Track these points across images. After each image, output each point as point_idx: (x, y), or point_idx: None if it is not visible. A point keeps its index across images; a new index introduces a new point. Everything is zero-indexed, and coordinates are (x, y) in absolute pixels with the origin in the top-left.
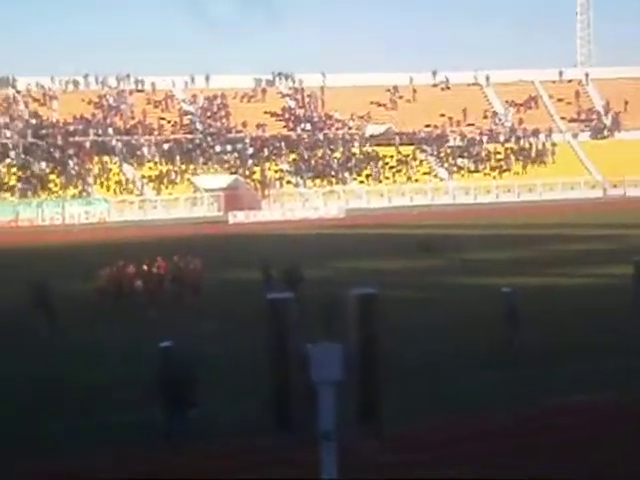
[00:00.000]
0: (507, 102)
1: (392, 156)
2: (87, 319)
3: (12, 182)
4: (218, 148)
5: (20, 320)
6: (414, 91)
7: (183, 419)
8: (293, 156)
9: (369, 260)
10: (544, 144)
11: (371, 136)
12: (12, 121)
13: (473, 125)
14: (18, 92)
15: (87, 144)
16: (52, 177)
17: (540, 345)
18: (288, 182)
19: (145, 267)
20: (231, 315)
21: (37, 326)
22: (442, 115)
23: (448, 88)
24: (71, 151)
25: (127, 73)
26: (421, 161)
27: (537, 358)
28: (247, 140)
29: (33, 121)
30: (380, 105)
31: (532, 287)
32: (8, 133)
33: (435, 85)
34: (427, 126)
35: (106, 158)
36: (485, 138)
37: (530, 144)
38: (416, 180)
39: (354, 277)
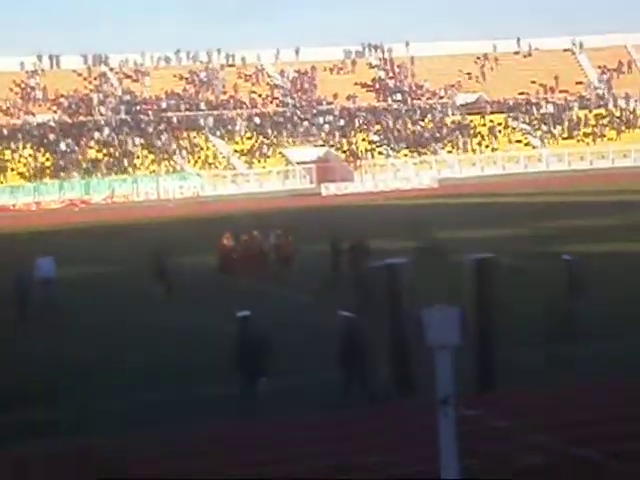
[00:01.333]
0: (599, 67)
1: (484, 125)
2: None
3: (106, 158)
4: (309, 121)
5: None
6: (500, 59)
7: (253, 390)
8: (384, 127)
9: (465, 230)
10: (634, 110)
11: (462, 105)
12: (105, 98)
13: (566, 92)
14: (111, 69)
15: (179, 119)
16: (145, 153)
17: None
18: (379, 153)
19: (246, 238)
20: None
21: (155, 293)
22: (533, 82)
23: (530, 55)
24: (163, 127)
25: (218, 48)
26: (513, 129)
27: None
28: (337, 112)
29: (126, 97)
30: (470, 74)
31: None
32: (102, 110)
33: (521, 53)
34: (520, 94)
35: (198, 133)
36: (577, 104)
37: (622, 110)
38: (508, 148)
39: (455, 246)
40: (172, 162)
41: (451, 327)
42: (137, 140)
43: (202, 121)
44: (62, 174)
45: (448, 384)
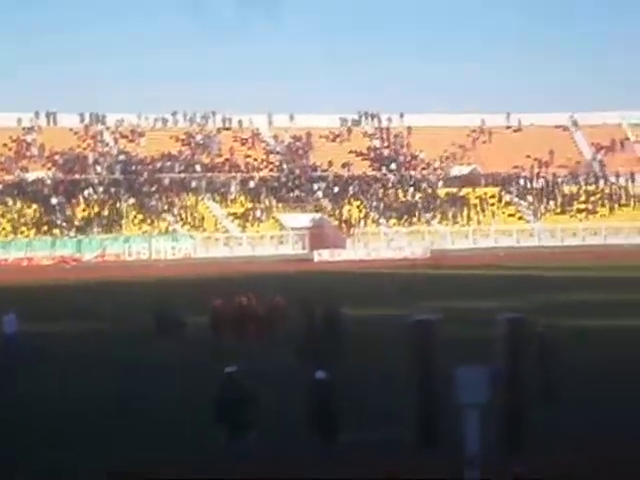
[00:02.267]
0: (592, 144)
1: (477, 197)
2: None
3: (99, 217)
4: (303, 187)
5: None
6: (494, 133)
7: (244, 442)
8: (378, 196)
9: (457, 300)
10: (626, 187)
11: (456, 177)
12: (101, 157)
13: (560, 167)
14: (107, 128)
15: (173, 181)
16: (137, 213)
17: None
18: (372, 221)
19: (244, 300)
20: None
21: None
22: (528, 157)
23: (521, 130)
24: (157, 187)
25: (213, 110)
26: (506, 203)
27: None
28: (332, 179)
29: (121, 157)
30: (464, 146)
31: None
32: (97, 168)
33: (512, 127)
34: (514, 167)
35: (192, 195)
36: (571, 180)
37: (613, 187)
38: (501, 222)
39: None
40: (165, 223)
41: (482, 385)
42: (130, 200)
43: (196, 183)
44: (55, 231)
45: (475, 443)
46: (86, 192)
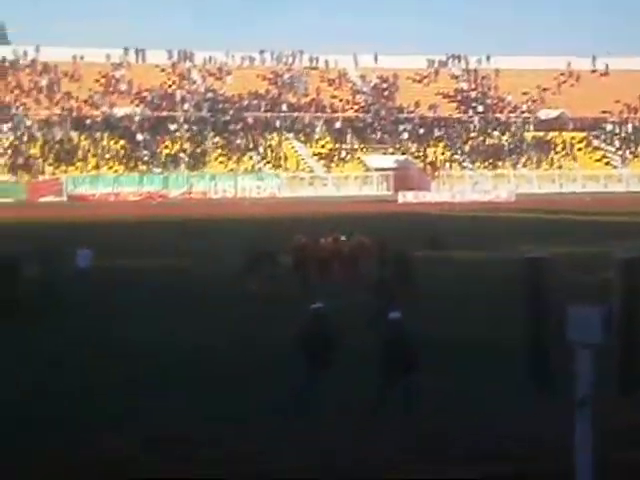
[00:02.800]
0: None
1: (564, 141)
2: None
3: (185, 154)
4: (389, 128)
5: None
6: (583, 77)
7: (317, 379)
8: (464, 138)
9: (545, 244)
10: None
11: (543, 120)
12: (188, 94)
13: None
14: (195, 66)
15: (259, 119)
16: (224, 151)
17: None
18: (458, 164)
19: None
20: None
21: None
22: (617, 102)
23: (608, 74)
24: (244, 126)
25: (301, 50)
26: (594, 148)
27: None
28: (418, 121)
29: (208, 95)
30: (553, 89)
31: None
32: (185, 106)
33: (600, 72)
34: (602, 112)
35: (278, 134)
36: None
37: None
38: (589, 166)
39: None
40: (250, 162)
41: (595, 325)
42: (216, 138)
43: (282, 123)
44: (141, 167)
45: (588, 385)
46: (173, 129)
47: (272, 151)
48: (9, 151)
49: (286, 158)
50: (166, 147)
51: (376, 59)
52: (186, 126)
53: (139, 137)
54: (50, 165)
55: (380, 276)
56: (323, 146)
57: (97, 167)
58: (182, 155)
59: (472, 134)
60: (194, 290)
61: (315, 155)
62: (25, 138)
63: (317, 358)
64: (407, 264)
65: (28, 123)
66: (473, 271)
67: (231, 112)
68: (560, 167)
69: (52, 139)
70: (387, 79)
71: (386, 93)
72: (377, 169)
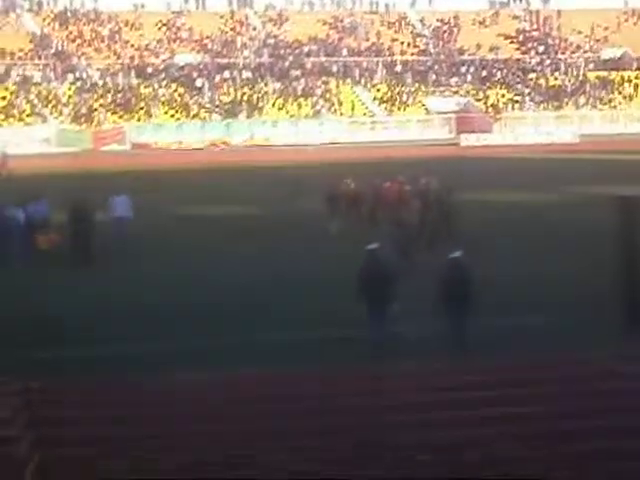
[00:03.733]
0: None
1: (629, 81)
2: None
3: (247, 101)
4: (450, 70)
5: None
6: None
7: (383, 317)
8: (526, 80)
9: (603, 186)
10: None
11: (606, 60)
12: (249, 40)
13: None
14: (255, 13)
15: (320, 65)
16: (285, 97)
17: None
18: (520, 106)
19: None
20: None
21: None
22: None
23: None
24: (304, 72)
25: None
26: None
27: None
28: (479, 63)
29: (269, 41)
30: (615, 29)
31: None
32: (245, 52)
33: None
34: None
35: (338, 79)
36: None
37: None
38: None
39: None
40: (312, 107)
41: None
42: (277, 84)
43: (343, 67)
44: (203, 114)
45: None
46: (233, 76)
47: (333, 96)
48: (72, 101)
49: (347, 103)
50: (227, 94)
51: (435, 2)
52: (247, 73)
53: (200, 84)
54: (113, 114)
55: (399, 218)
56: (384, 90)
57: (159, 115)
58: (243, 102)
59: (534, 75)
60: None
61: (376, 99)
62: (87, 87)
63: (378, 296)
64: (447, 207)
65: (90, 72)
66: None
67: (291, 58)
68: (623, 107)
69: (114, 88)
70: (448, 21)
71: (446, 35)
72: (438, 112)
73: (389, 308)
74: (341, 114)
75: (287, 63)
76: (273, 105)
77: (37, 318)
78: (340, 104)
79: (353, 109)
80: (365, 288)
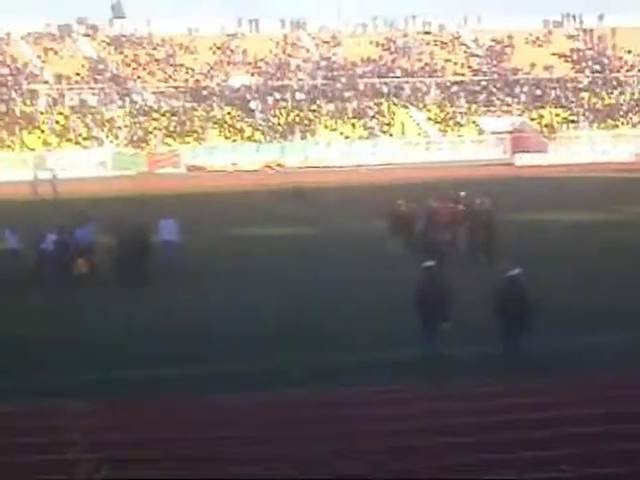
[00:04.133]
0: None
1: None
2: None
3: (301, 122)
4: (504, 90)
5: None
6: None
7: (435, 335)
8: (580, 99)
9: None
10: None
11: None
12: (302, 63)
13: None
14: (308, 34)
15: (373, 86)
16: (338, 118)
17: None
18: (574, 125)
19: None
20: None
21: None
22: None
23: None
24: (357, 93)
25: (414, 15)
26: None
27: None
28: (533, 82)
29: (322, 63)
30: None
31: None
32: (299, 74)
33: None
34: None
35: (392, 100)
36: None
37: None
38: None
39: None
40: (365, 128)
41: None
42: (331, 106)
43: (396, 88)
44: (257, 136)
45: None
46: (287, 98)
47: (386, 117)
48: (128, 124)
49: (400, 124)
50: (281, 116)
51: (489, 22)
52: (300, 94)
53: (254, 107)
54: (168, 137)
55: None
56: (437, 110)
57: (214, 138)
58: (297, 123)
59: (588, 94)
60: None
61: (430, 120)
62: (143, 111)
63: (432, 313)
64: (489, 227)
65: (145, 96)
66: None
67: (345, 79)
68: None
69: (169, 111)
70: (501, 41)
71: (500, 55)
72: (493, 132)
73: (442, 326)
74: (395, 135)
75: (340, 85)
76: (327, 127)
77: (101, 340)
78: (394, 125)
79: (407, 130)
80: (419, 305)
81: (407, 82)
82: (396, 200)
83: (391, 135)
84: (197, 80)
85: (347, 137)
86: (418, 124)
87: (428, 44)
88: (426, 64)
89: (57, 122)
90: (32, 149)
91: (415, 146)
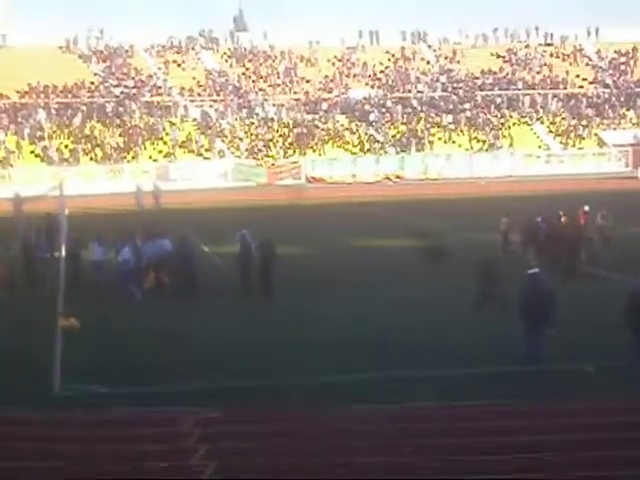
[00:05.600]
0: None
1: None
2: None
3: (417, 135)
4: (627, 103)
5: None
6: None
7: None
8: None
9: None
10: None
11: None
12: (423, 74)
13: None
14: (429, 46)
15: (494, 98)
16: (458, 130)
17: None
18: None
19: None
20: None
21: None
22: None
23: None
24: (477, 105)
25: (536, 26)
26: None
27: None
28: None
29: (442, 75)
30: None
31: None
32: (419, 86)
33: None
34: None
35: (513, 112)
36: None
37: None
38: None
39: None
40: (485, 140)
41: None
42: (450, 117)
43: (517, 100)
44: (377, 148)
45: None
46: (407, 110)
47: (507, 129)
48: (248, 136)
49: (521, 136)
50: (400, 128)
51: (612, 33)
52: (420, 106)
53: (374, 118)
54: (288, 148)
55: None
56: (559, 123)
57: (333, 149)
58: (416, 135)
59: None
60: None
61: (551, 132)
62: (263, 123)
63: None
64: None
65: (266, 108)
66: None
67: (465, 91)
68: None
69: (289, 123)
70: (625, 53)
71: (623, 67)
72: (614, 145)
73: (547, 331)
74: (515, 147)
75: (460, 96)
76: (447, 139)
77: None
78: (514, 137)
79: (527, 142)
80: (524, 310)
81: (528, 94)
82: (517, 212)
83: (512, 147)
84: (317, 92)
85: (467, 149)
86: (538, 136)
87: (551, 56)
88: (547, 76)
89: (180, 132)
90: (155, 160)
91: (536, 159)
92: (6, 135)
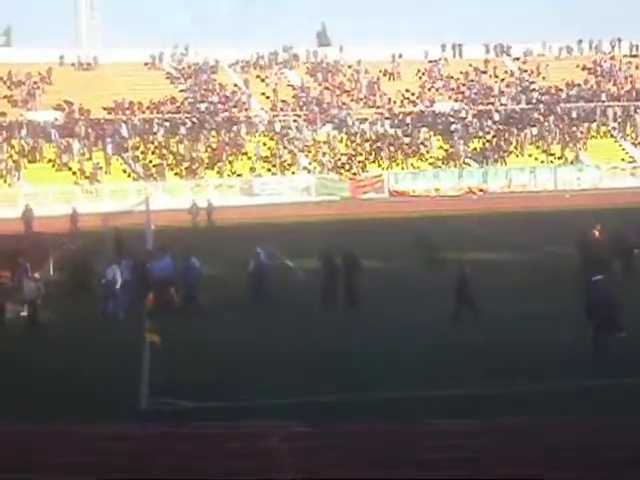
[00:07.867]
0: None
1: None
2: None
3: (499, 148)
4: None
5: None
6: None
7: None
8: None
9: None
10: None
11: None
12: (507, 87)
13: None
14: (514, 59)
15: (579, 110)
16: (542, 143)
17: None
18: None
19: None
20: None
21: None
22: None
23: None
24: (561, 117)
25: (619, 38)
26: None
27: None
28: None
29: (525, 87)
30: None
31: None
32: (503, 99)
33: None
34: None
35: (598, 124)
36: None
37: None
38: None
39: None
40: (570, 153)
41: None
42: (534, 130)
43: (602, 112)
44: (460, 162)
45: None
46: (491, 123)
47: (591, 141)
48: (332, 150)
49: (605, 148)
50: (483, 141)
51: None
52: (504, 119)
53: (457, 132)
54: (371, 162)
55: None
56: None
57: (417, 163)
58: (500, 149)
59: None
60: None
61: (636, 144)
62: (346, 137)
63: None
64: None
65: (349, 122)
66: None
67: (548, 104)
68: None
69: (373, 137)
70: None
71: None
72: None
73: (613, 336)
74: (600, 160)
75: (544, 109)
76: (530, 152)
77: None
78: (598, 149)
79: (612, 154)
80: (589, 316)
81: (613, 106)
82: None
83: (596, 160)
84: (401, 105)
85: (551, 162)
86: (624, 149)
87: (637, 67)
88: (632, 88)
89: (266, 148)
90: (239, 175)
91: (621, 171)
92: (92, 152)
